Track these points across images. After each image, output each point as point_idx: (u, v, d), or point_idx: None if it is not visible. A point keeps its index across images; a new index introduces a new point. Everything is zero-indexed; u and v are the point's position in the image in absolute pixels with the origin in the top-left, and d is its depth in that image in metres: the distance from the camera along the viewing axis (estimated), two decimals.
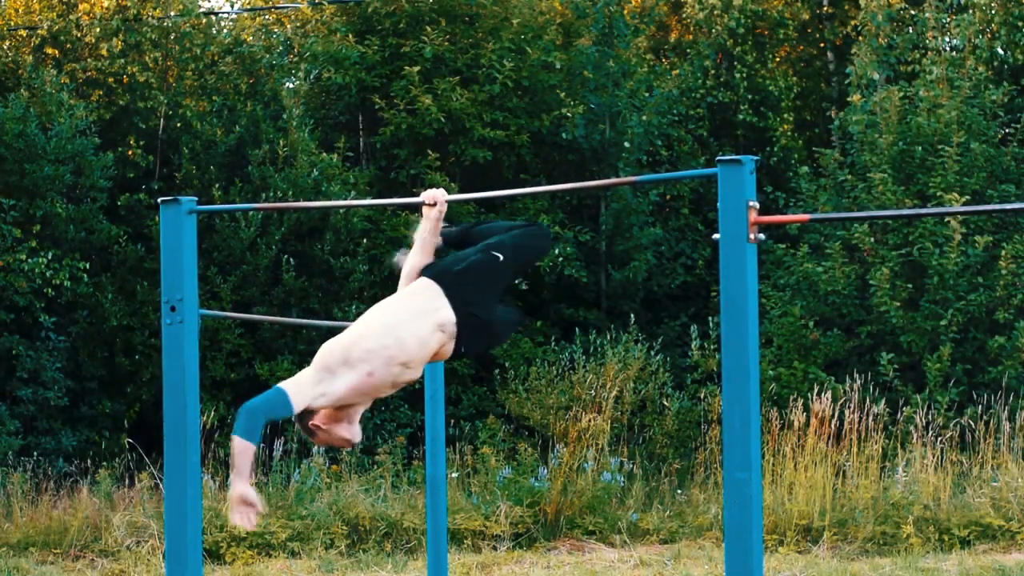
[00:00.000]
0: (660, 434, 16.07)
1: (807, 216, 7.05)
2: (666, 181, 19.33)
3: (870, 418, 14.40)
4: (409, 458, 15.67)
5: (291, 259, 16.78)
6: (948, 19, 18.83)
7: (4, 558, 13.21)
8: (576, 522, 14.06)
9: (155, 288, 15.98)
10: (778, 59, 21.85)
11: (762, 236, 5.64)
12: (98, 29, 17.33)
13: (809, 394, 14.81)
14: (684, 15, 21.22)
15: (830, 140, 19.78)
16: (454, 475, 14.75)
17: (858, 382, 14.65)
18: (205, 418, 14.35)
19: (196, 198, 6.81)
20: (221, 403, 16.01)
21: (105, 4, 17.41)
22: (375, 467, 15.07)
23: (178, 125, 17.58)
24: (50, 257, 15.82)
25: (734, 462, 5.57)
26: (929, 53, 18.30)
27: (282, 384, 5.73)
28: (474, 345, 6.06)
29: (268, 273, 16.88)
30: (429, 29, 18.02)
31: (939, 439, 14.39)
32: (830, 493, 13.72)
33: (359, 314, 6.65)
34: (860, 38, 19.17)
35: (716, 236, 5.65)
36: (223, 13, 20.17)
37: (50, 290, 15.88)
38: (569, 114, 18.23)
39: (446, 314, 5.96)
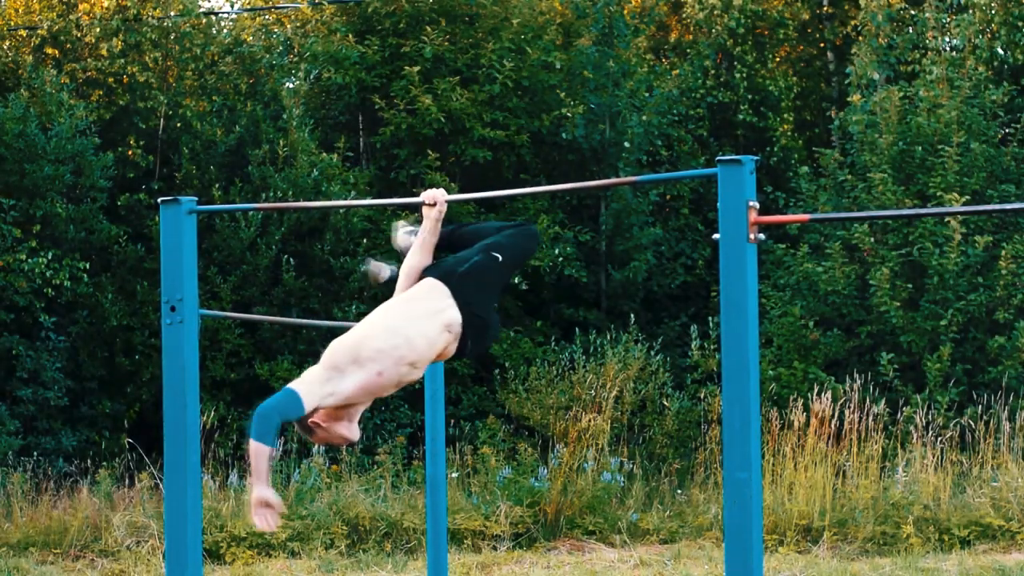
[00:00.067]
0: (660, 434, 16.07)
1: (807, 216, 7.05)
2: (666, 181, 19.31)
3: (870, 418, 14.39)
4: (409, 458, 15.66)
5: (291, 259, 16.78)
6: (948, 19, 18.82)
7: (4, 558, 13.21)
8: (576, 522, 14.05)
9: (155, 288, 15.97)
10: (778, 59, 21.84)
11: (762, 236, 5.65)
12: (98, 29, 17.32)
13: (809, 394, 14.80)
14: (684, 15, 21.21)
15: (830, 140, 19.77)
16: (454, 475, 14.74)
17: (858, 382, 14.64)
18: (205, 418, 14.35)
19: (196, 198, 6.82)
20: (221, 403, 16.02)
21: (105, 4, 17.41)
22: (375, 467, 15.07)
23: (178, 125, 17.58)
24: (50, 257, 15.82)
25: (734, 462, 5.57)
26: (929, 53, 18.29)
27: (292, 385, 5.76)
28: (476, 345, 6.10)
29: (268, 273, 16.88)
30: (429, 29, 18.02)
31: (939, 439, 14.38)
32: (830, 493, 13.72)
33: (359, 314, 6.67)
34: (860, 38, 19.16)
35: (716, 236, 5.66)
36: (223, 13, 20.18)
37: (50, 290, 15.87)
38: (569, 114, 18.22)
39: (453, 314, 6.00)
